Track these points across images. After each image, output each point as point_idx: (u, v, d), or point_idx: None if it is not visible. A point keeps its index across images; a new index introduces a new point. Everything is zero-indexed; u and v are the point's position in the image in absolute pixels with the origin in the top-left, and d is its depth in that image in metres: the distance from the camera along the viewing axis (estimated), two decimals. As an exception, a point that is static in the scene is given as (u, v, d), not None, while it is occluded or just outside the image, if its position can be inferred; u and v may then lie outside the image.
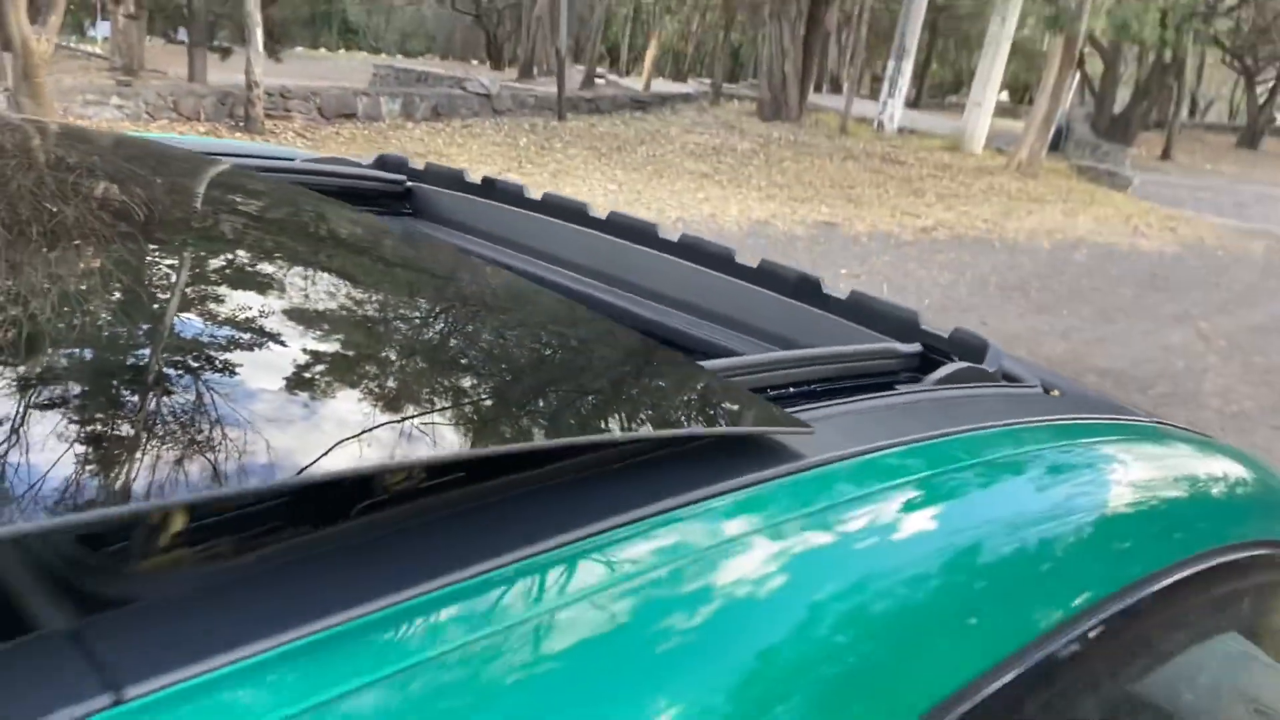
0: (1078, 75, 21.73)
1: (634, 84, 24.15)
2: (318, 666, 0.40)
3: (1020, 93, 40.16)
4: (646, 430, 0.63)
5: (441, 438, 0.52)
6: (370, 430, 0.51)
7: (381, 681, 0.40)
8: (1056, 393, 1.01)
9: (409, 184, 1.52)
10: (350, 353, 0.62)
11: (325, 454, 0.45)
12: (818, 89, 25.25)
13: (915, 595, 0.57)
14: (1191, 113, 31.32)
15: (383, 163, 1.58)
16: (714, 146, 13.68)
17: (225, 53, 13.28)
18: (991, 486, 0.72)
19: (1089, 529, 0.70)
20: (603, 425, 0.64)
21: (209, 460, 0.43)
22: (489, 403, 0.60)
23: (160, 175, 0.95)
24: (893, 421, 0.75)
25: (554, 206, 1.37)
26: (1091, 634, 0.64)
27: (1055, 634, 0.61)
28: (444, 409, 0.56)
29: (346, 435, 0.48)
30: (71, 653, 0.38)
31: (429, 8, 32.81)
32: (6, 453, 0.40)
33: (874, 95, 22.22)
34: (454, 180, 1.51)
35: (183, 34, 24.42)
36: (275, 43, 14.91)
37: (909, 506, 0.64)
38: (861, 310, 1.07)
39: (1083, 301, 8.28)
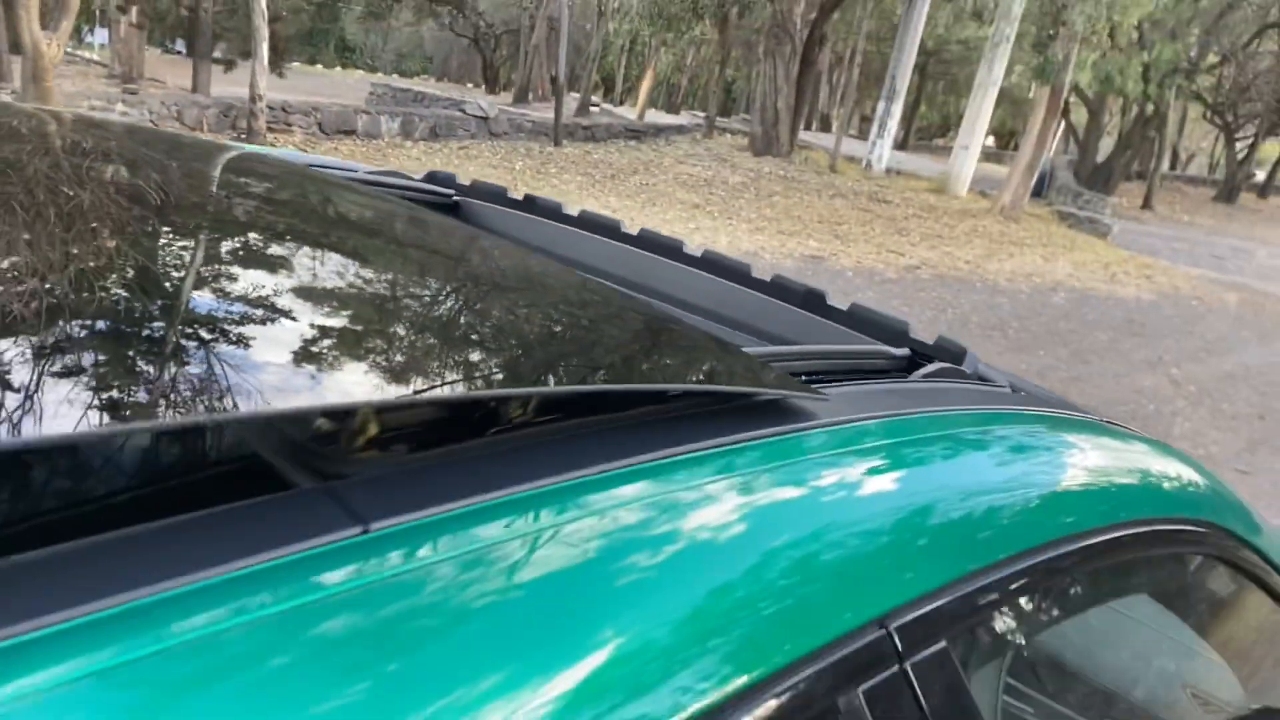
0: (1063, 124, 22.21)
1: (628, 113, 24.47)
2: (473, 522, 0.57)
3: (1006, 138, 40.82)
4: (700, 384, 0.81)
5: (555, 377, 0.71)
6: (502, 372, 0.69)
7: (504, 542, 0.57)
8: (1022, 393, 1.19)
9: (456, 197, 1.69)
10: (475, 322, 0.80)
11: (464, 388, 0.64)
12: (808, 127, 25.67)
13: (885, 528, 0.74)
14: (1172, 165, 31.95)
15: (433, 178, 1.75)
16: (706, 178, 13.94)
17: (229, 65, 13.46)
18: (954, 453, 0.89)
19: (1032, 492, 0.88)
20: (665, 378, 0.82)
21: (402, 381, 0.61)
22: (586, 360, 0.78)
23: (271, 183, 1.12)
24: (883, 401, 0.92)
25: (589, 223, 1.55)
26: (1021, 580, 0.82)
27: (992, 570, 0.78)
28: (557, 365, 0.75)
29: (478, 379, 0.66)
30: (326, 500, 0.55)
31: (428, 30, 33.15)
32: (278, 355, 0.57)
33: (863, 135, 22.62)
34: (497, 196, 1.68)
35: (180, 45, 24.66)
36: (278, 58, 15.10)
37: (890, 462, 0.82)
38: (859, 319, 1.26)
39: (1059, 343, 8.52)
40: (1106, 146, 25.31)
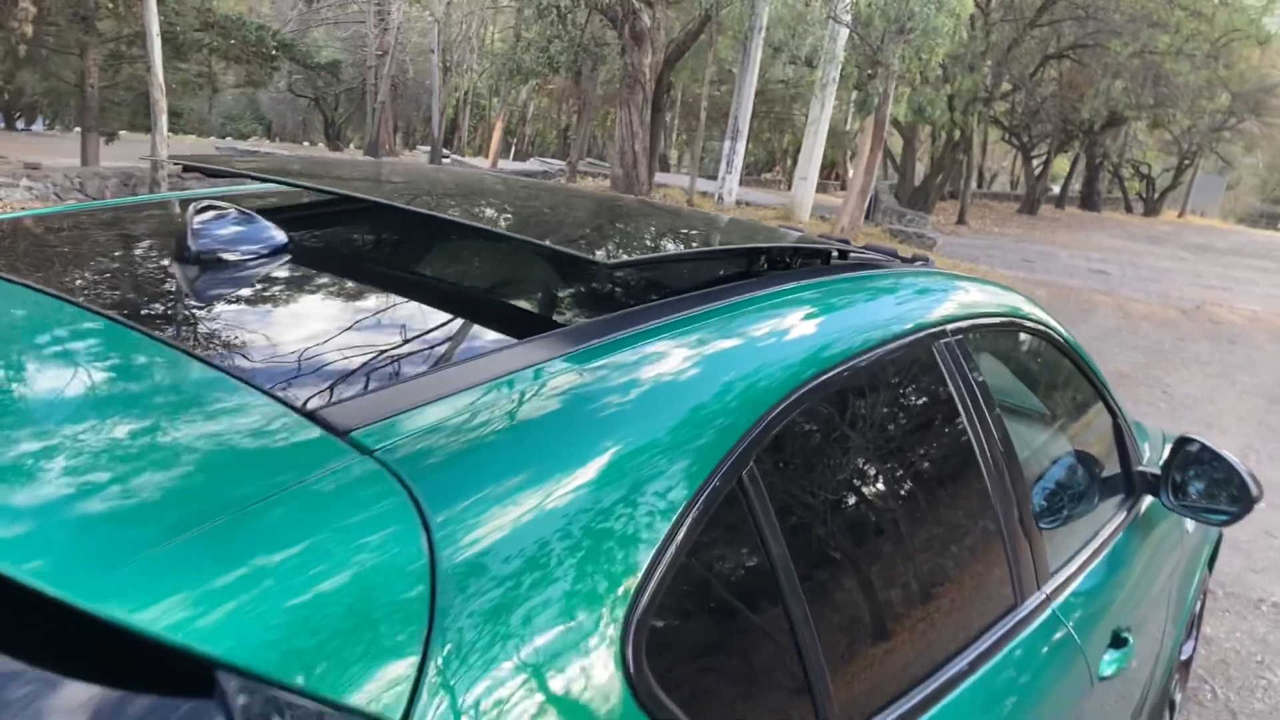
0: (881, 152, 24.31)
1: (481, 162, 25.28)
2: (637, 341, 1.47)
3: (827, 169, 43.62)
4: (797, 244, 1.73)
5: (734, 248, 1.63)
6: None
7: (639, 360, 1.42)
8: (919, 264, 2.10)
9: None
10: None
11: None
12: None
13: (879, 321, 1.67)
14: (980, 184, 34.81)
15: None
16: (574, 219, 14.87)
17: (111, 137, 13.62)
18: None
19: (945, 301, 1.67)
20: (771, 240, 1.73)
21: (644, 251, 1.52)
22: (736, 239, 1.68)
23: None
24: (822, 273, 1.77)
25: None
26: (945, 342, 1.69)
27: (875, 349, 1.38)
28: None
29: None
30: (619, 322, 1.46)
31: (265, 92, 33.08)
32: None
33: (702, 173, 24.15)
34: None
35: (21, 123, 24.04)
36: (104, 126, 15.10)
37: (821, 301, 1.50)
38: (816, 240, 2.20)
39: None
40: (920, 171, 27.75)
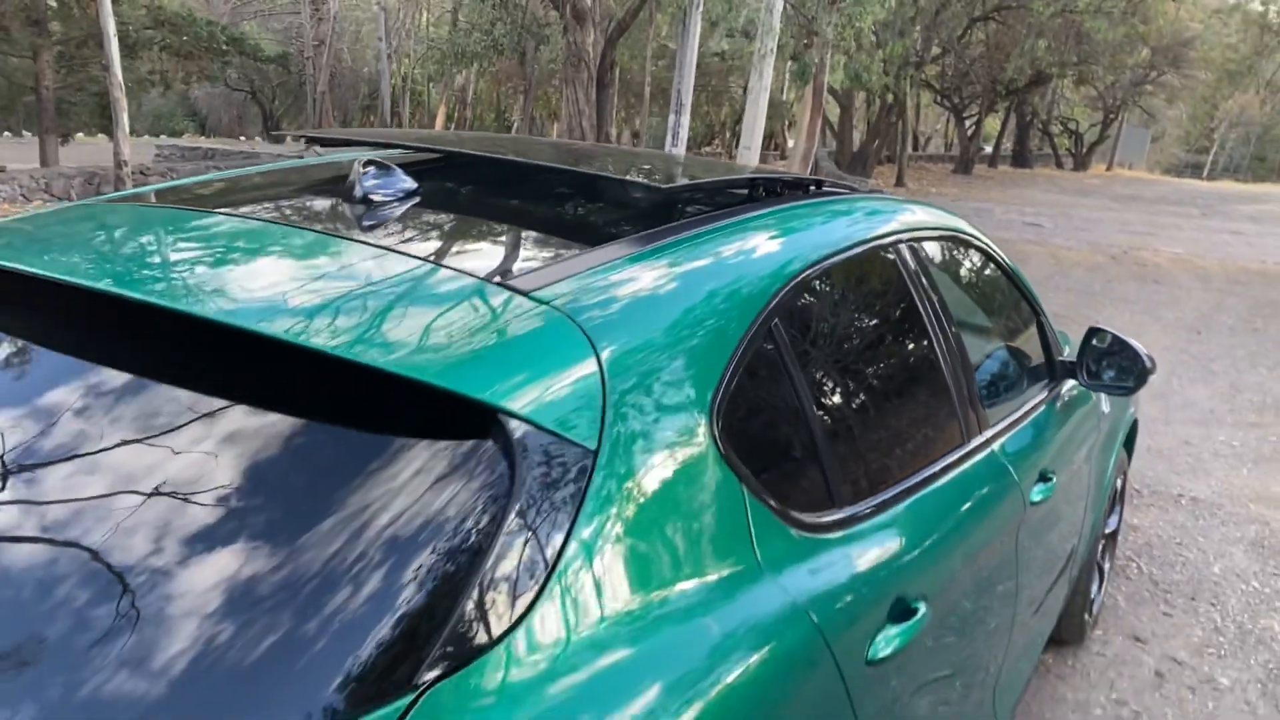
0: (820, 119, 24.92)
1: (425, 149, 25.35)
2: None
3: (766, 139, 44.34)
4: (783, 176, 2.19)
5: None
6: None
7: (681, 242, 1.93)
8: (877, 192, 2.58)
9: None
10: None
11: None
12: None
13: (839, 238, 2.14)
14: (915, 147, 35.71)
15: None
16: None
17: (65, 138, 13.69)
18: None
19: (890, 219, 2.14)
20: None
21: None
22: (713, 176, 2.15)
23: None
24: (809, 197, 2.20)
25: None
26: (871, 250, 2.10)
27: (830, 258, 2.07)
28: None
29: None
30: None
31: (197, 89, 32.77)
32: None
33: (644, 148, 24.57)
34: None
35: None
36: (61, 127, 15.18)
37: (817, 213, 1.98)
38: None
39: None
40: (858, 138, 28.44)
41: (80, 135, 14.48)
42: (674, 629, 1.12)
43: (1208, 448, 5.94)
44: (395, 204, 1.59)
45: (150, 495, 1.05)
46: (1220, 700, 3.29)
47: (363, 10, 30.84)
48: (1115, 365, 2.69)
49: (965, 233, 2.47)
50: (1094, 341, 2.72)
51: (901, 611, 1.51)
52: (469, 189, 1.89)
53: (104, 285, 1.21)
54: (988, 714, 2.15)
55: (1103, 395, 3.08)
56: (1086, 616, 3.44)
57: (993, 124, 37.35)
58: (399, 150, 2.06)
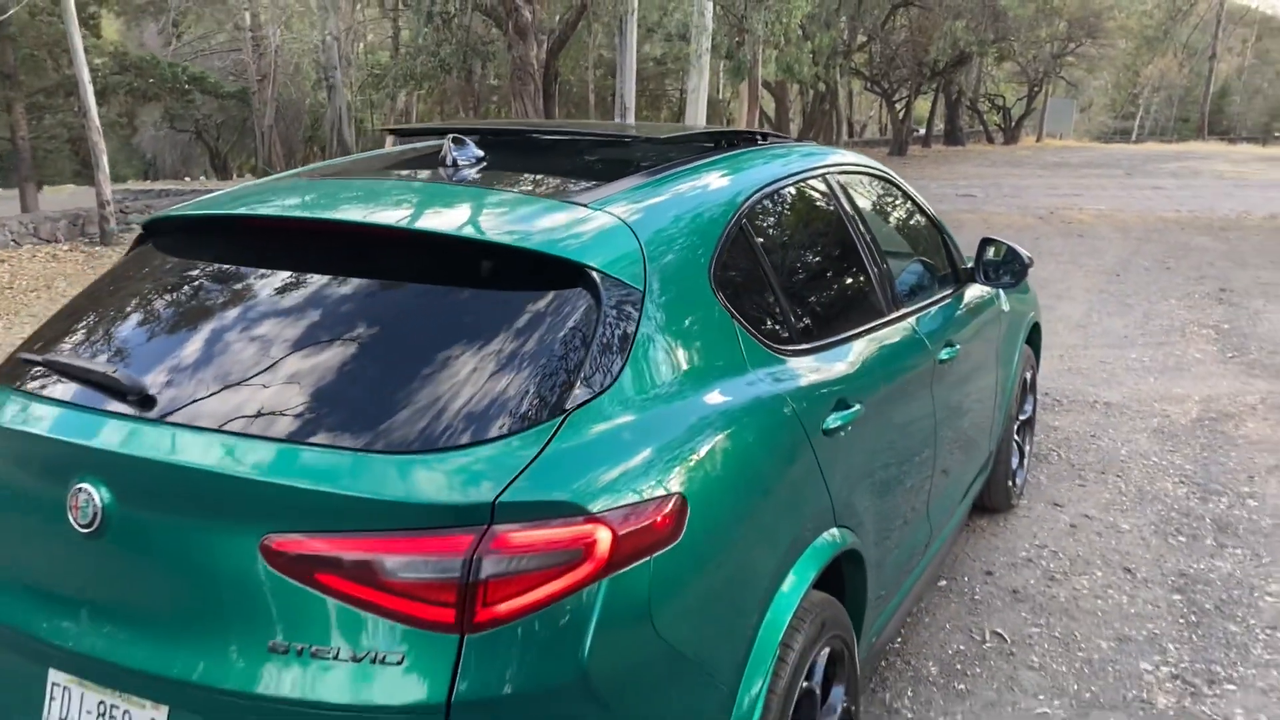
0: (757, 112, 25.84)
1: (377, 173, 25.85)
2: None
3: (708, 138, 45.33)
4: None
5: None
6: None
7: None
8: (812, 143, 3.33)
9: None
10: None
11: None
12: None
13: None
14: (850, 133, 36.76)
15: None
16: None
17: (40, 185, 14.14)
18: (766, 154, 2.71)
19: (795, 163, 2.89)
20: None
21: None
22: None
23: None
24: (759, 145, 2.97)
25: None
26: (810, 178, 2.86)
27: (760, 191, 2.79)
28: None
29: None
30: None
31: (142, 132, 33.02)
32: None
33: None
34: None
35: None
36: (39, 175, 15.66)
37: (769, 155, 2.78)
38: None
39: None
40: (794, 129, 29.39)
41: (46, 188, 14.91)
42: (699, 389, 1.86)
43: (1121, 364, 6.78)
44: (472, 167, 2.30)
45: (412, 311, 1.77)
46: (1121, 539, 4.08)
47: (301, 43, 31.23)
48: (1004, 266, 3.47)
49: (882, 171, 3.25)
50: (989, 250, 3.50)
51: (843, 404, 2.25)
52: (521, 154, 2.62)
53: (320, 214, 1.93)
54: (922, 519, 2.90)
55: (1003, 297, 3.85)
56: (1010, 485, 4.21)
57: (923, 105, 38.57)
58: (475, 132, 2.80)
